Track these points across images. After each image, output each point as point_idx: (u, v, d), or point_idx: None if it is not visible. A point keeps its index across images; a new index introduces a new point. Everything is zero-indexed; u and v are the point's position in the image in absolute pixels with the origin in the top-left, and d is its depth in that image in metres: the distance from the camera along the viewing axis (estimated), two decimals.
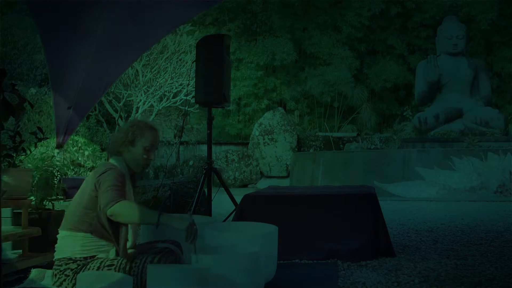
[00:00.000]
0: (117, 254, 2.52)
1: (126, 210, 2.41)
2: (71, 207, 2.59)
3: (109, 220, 2.49)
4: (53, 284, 2.52)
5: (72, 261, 2.49)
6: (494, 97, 14.63)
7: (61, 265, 2.50)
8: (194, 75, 5.15)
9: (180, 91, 12.13)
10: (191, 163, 13.38)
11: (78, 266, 2.48)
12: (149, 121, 2.75)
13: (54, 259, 2.56)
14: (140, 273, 2.41)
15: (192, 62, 7.72)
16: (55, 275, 2.51)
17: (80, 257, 2.49)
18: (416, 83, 13.50)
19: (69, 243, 2.52)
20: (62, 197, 4.12)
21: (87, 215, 2.51)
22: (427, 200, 8.43)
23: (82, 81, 3.44)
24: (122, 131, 2.66)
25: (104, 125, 12.42)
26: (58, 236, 2.58)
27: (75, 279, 2.42)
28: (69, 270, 2.48)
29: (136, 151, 2.63)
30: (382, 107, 16.93)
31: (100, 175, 2.52)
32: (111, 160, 2.65)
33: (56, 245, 2.57)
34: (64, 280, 2.48)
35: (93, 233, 2.51)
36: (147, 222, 2.46)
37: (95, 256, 2.51)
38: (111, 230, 2.51)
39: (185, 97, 11.73)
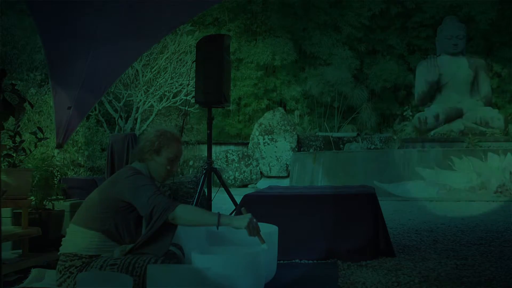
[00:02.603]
0: (135, 249, 2.51)
1: (188, 213, 2.45)
2: (87, 204, 2.59)
3: (131, 223, 2.52)
4: (57, 281, 2.52)
5: (77, 258, 2.49)
6: (494, 97, 14.62)
7: (66, 261, 2.50)
8: (194, 75, 5.14)
9: (180, 91, 12.14)
10: (191, 163, 13.38)
11: (82, 264, 2.48)
12: (175, 131, 2.74)
13: (59, 253, 2.55)
14: (143, 274, 2.42)
15: (192, 62, 7.72)
16: (60, 271, 2.51)
17: (86, 255, 2.49)
18: (416, 83, 13.49)
19: (78, 239, 2.51)
20: (62, 197, 4.12)
21: (103, 215, 2.50)
22: (427, 200, 8.43)
23: (82, 81, 3.45)
24: (149, 139, 2.64)
25: (104, 125, 12.42)
26: (68, 229, 2.57)
27: None
28: (74, 267, 2.48)
29: (160, 161, 2.63)
30: (382, 107, 16.93)
31: (128, 177, 2.52)
32: (134, 165, 2.65)
33: (63, 238, 2.57)
34: (68, 277, 2.48)
35: (104, 233, 2.51)
36: (208, 223, 2.51)
37: (100, 255, 2.51)
38: (129, 233, 2.52)
39: (185, 97, 11.73)
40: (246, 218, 2.46)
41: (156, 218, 2.43)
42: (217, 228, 2.46)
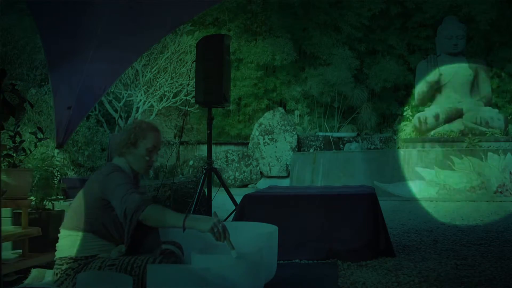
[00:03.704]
0: (127, 253, 2.51)
1: (155, 215, 2.40)
2: (73, 207, 2.59)
3: (117, 221, 2.50)
4: (54, 283, 2.51)
5: (73, 261, 2.49)
6: (494, 97, 14.62)
7: (62, 264, 2.50)
8: (194, 75, 5.15)
9: (180, 91, 12.14)
10: (191, 163, 13.38)
11: (79, 266, 2.48)
12: (151, 121, 2.72)
13: (55, 258, 2.56)
14: (141, 274, 2.41)
15: (192, 62, 7.72)
16: (56, 274, 2.51)
17: (81, 256, 2.49)
18: (416, 83, 13.49)
19: (70, 242, 2.51)
20: (62, 197, 4.12)
21: (90, 215, 2.50)
22: (427, 200, 8.43)
23: (82, 81, 3.44)
24: (125, 132, 2.64)
25: (104, 125, 12.43)
26: (59, 235, 2.57)
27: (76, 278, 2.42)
28: (70, 269, 2.48)
29: (138, 153, 2.61)
30: (382, 107, 16.93)
31: (107, 175, 2.51)
32: (115, 161, 2.64)
33: (57, 244, 2.57)
34: (66, 279, 2.48)
35: (95, 233, 2.51)
36: (174, 225, 2.45)
37: (96, 255, 2.50)
38: (118, 231, 2.51)
39: (185, 97, 11.73)
40: (210, 221, 2.37)
41: (129, 220, 2.41)
42: (183, 231, 2.39)
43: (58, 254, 2.54)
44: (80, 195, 2.59)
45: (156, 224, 2.45)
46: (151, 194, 5.46)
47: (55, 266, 2.54)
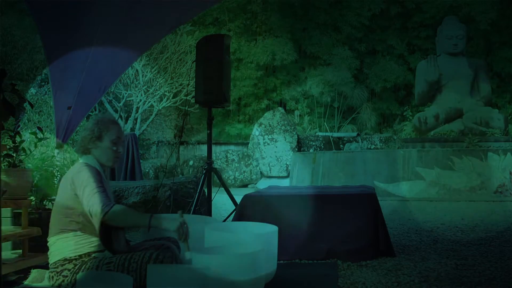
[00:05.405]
0: (113, 252, 2.52)
1: (120, 215, 2.44)
2: (54, 213, 2.60)
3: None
4: (52, 285, 2.51)
5: (67, 262, 2.49)
6: (494, 97, 14.62)
7: (57, 267, 2.51)
8: (194, 75, 5.15)
9: (180, 91, 12.14)
10: (191, 163, 13.38)
11: (75, 266, 2.48)
12: (111, 116, 2.77)
13: (49, 264, 2.56)
14: (139, 270, 2.43)
15: (192, 62, 7.71)
16: (52, 278, 2.51)
17: (75, 256, 2.50)
18: (416, 83, 13.48)
19: (61, 245, 2.52)
20: None
21: (72, 215, 2.52)
22: (427, 200, 8.43)
23: (82, 81, 3.44)
24: (88, 129, 2.67)
25: None
26: (48, 244, 2.58)
27: (74, 279, 2.42)
28: (67, 270, 2.48)
29: (104, 145, 2.65)
30: (382, 107, 16.93)
31: (75, 175, 2.53)
32: (82, 159, 2.66)
33: (48, 252, 2.58)
34: (63, 281, 2.48)
35: (81, 230, 2.52)
36: (139, 225, 2.52)
37: (89, 253, 2.51)
38: (100, 228, 2.52)
39: (185, 97, 11.73)
40: (177, 221, 2.45)
41: (95, 222, 2.45)
42: (148, 230, 2.46)
43: (52, 259, 2.55)
44: (57, 200, 2.61)
45: (121, 224, 2.50)
46: (151, 194, 5.46)
47: (50, 270, 2.54)
